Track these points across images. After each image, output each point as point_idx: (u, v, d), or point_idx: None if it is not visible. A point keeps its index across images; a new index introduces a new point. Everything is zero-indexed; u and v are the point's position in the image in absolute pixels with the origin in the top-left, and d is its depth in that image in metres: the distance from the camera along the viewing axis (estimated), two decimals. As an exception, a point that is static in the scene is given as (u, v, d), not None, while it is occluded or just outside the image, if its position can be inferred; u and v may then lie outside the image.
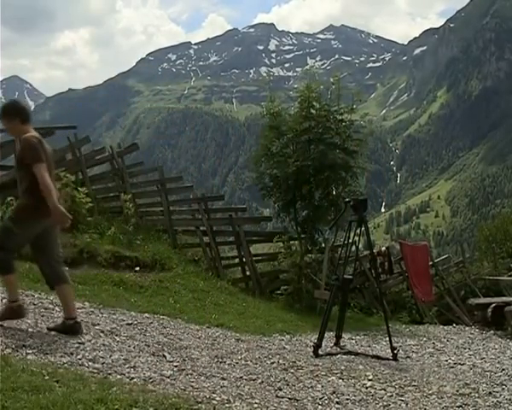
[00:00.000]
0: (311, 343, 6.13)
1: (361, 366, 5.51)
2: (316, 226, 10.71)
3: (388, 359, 6.07)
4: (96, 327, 5.09)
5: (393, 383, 4.81)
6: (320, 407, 3.96)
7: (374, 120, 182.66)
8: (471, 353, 6.90)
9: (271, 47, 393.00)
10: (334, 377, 4.80)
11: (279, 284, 10.43)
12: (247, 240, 10.80)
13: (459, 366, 5.98)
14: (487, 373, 5.60)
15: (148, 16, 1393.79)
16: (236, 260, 11.08)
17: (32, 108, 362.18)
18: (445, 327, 9.46)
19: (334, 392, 4.32)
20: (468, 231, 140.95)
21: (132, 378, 3.77)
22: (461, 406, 4.27)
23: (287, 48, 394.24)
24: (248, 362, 4.97)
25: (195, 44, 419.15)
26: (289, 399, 4.00)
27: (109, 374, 3.77)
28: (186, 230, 11.27)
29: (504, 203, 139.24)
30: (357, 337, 7.41)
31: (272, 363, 5.08)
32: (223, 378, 4.23)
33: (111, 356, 4.22)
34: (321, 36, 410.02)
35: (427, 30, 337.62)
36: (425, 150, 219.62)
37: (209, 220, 10.77)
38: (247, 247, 10.61)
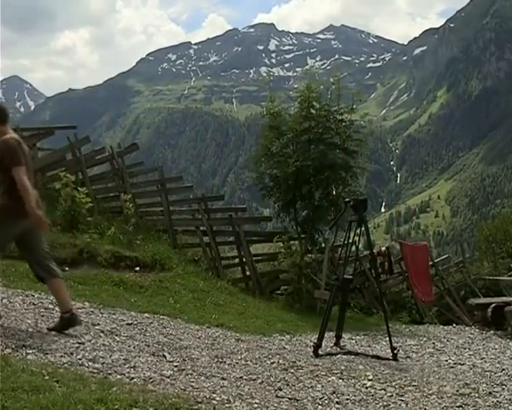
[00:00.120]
0: (311, 343, 6.13)
1: (361, 366, 5.51)
2: (316, 226, 10.72)
3: (388, 359, 6.07)
4: (96, 327, 5.10)
5: (393, 383, 4.81)
6: (320, 407, 3.96)
7: (374, 120, 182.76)
8: (471, 353, 6.90)
9: (271, 47, 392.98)
10: (334, 377, 4.80)
11: (279, 284, 10.43)
12: (247, 240, 10.80)
13: (459, 366, 5.98)
14: (487, 373, 5.60)
15: (148, 16, 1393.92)
16: (236, 260, 11.08)
17: (32, 108, 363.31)
18: (445, 327, 9.46)
19: (334, 392, 4.32)
20: (468, 231, 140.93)
21: (132, 378, 3.77)
22: (461, 406, 4.27)
23: (287, 48, 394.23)
24: (248, 362, 4.97)
25: (195, 44, 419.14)
26: (289, 399, 4.00)
27: (109, 374, 3.78)
28: (186, 230, 11.27)
29: (504, 203, 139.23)
30: (357, 337, 7.41)
31: (272, 363, 5.09)
32: (223, 378, 4.23)
33: (111, 356, 4.22)
34: (321, 36, 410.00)
35: (427, 30, 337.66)
36: (425, 150, 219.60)
37: (209, 220, 10.77)
38: (247, 247, 10.61)
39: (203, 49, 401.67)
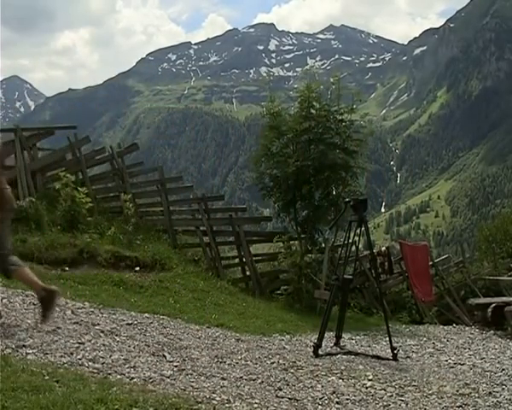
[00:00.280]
0: (311, 343, 6.12)
1: (361, 366, 5.51)
2: (316, 226, 10.72)
3: (388, 359, 6.07)
4: (96, 327, 5.09)
5: (393, 383, 4.81)
6: (320, 407, 3.96)
7: (374, 120, 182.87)
8: (471, 353, 6.90)
9: (271, 47, 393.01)
10: (334, 377, 4.80)
11: (279, 284, 10.43)
12: (247, 240, 10.80)
13: (459, 366, 5.97)
14: (487, 373, 5.60)
15: (148, 16, 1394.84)
16: (236, 260, 11.09)
17: (32, 108, 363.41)
18: (445, 327, 9.46)
19: (334, 392, 4.32)
20: (468, 231, 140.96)
21: (132, 378, 3.77)
22: (461, 406, 4.27)
23: (287, 48, 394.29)
24: (248, 362, 4.96)
25: (195, 44, 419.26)
26: (289, 399, 4.00)
27: (109, 374, 3.77)
28: (186, 230, 11.27)
29: (504, 203, 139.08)
30: (357, 337, 7.41)
31: (272, 363, 5.08)
32: (223, 378, 4.23)
33: (111, 356, 4.22)
34: (321, 36, 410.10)
35: (427, 30, 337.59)
36: (425, 150, 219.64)
37: (209, 220, 10.78)
38: (247, 247, 10.61)
39: (203, 49, 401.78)
